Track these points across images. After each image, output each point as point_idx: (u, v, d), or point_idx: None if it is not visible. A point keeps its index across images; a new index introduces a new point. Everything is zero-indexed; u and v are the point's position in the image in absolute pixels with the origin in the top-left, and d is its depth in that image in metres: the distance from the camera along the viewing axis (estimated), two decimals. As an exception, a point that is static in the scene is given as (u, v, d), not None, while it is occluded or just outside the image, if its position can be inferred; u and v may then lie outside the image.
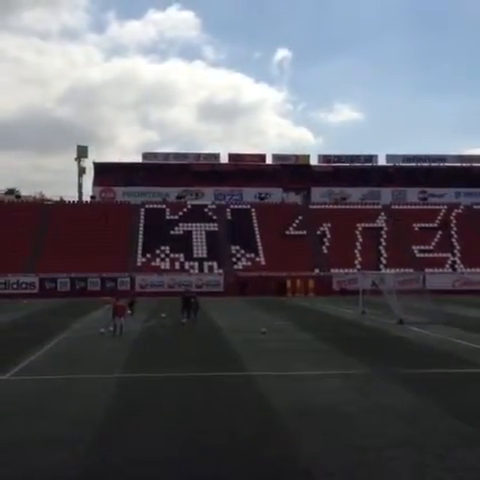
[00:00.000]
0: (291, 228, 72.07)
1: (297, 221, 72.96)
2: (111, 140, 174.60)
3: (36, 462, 10.42)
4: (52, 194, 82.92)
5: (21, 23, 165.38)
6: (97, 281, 60.95)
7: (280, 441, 11.53)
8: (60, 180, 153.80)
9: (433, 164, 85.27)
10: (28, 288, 59.90)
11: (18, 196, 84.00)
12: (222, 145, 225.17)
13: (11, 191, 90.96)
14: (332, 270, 65.61)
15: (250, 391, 15.95)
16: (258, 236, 70.55)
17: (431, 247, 70.45)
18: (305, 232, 71.54)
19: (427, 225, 73.38)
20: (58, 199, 78.94)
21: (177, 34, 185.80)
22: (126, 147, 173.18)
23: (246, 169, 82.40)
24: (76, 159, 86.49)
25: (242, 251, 68.15)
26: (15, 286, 60.14)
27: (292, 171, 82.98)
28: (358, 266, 65.11)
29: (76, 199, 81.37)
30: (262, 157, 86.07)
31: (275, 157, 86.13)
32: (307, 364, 19.77)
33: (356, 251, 69.11)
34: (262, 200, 79.12)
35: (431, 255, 68.84)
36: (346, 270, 65.08)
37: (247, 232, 70.74)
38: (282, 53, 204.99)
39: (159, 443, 11.47)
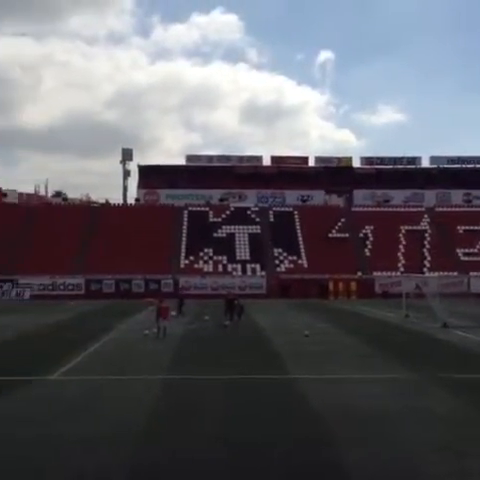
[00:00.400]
0: (333, 230, 71.81)
1: (339, 223, 72.67)
2: (155, 143, 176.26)
3: (83, 462, 10.65)
4: (98, 197, 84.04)
5: (68, 28, 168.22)
6: (141, 283, 61.57)
7: (323, 445, 11.58)
8: (106, 183, 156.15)
9: (478, 165, 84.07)
10: (74, 289, 60.83)
11: (65, 199, 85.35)
12: (264, 147, 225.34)
13: (58, 194, 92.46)
14: (374, 273, 65.16)
15: (293, 394, 16.02)
16: (300, 238, 70.44)
17: (476, 250, 69.43)
18: (347, 235, 71.20)
19: (472, 228, 72.30)
20: (104, 201, 79.96)
21: (221, 37, 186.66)
22: (170, 150, 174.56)
23: (288, 171, 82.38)
24: (121, 162, 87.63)
25: (285, 254, 68.13)
26: (62, 287, 61.11)
27: (334, 173, 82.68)
28: (401, 269, 64.51)
29: (121, 201, 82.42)
30: (304, 159, 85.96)
31: (317, 159, 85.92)
32: (350, 368, 19.77)
33: (399, 254, 68.52)
34: (304, 202, 78.95)
35: (476, 258, 67.82)
36: (389, 273, 64.58)
37: (290, 234, 70.69)
38: (325, 55, 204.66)
39: (203, 444, 11.64)
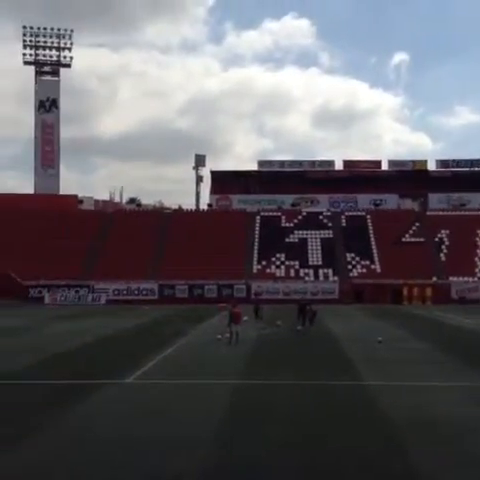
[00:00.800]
0: (407, 235, 70.69)
1: (414, 228, 71.51)
2: (228, 148, 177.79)
3: (157, 464, 10.85)
4: (171, 203, 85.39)
5: (144, 38, 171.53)
6: (214, 288, 62.07)
7: (398, 455, 11.37)
8: (179, 189, 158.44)
9: None
10: (148, 294, 61.82)
11: (139, 205, 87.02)
12: (337, 152, 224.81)
13: (132, 200, 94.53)
14: (450, 278, 63.76)
15: (366, 401, 15.88)
16: (373, 243, 69.66)
17: None
18: (422, 239, 69.96)
19: None
20: (177, 207, 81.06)
21: (292, 42, 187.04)
22: (242, 155, 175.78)
23: (361, 175, 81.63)
24: (194, 168, 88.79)
25: (357, 258, 67.50)
26: (136, 292, 62.21)
27: (408, 177, 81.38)
28: (479, 274, 62.98)
29: (194, 207, 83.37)
30: (377, 163, 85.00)
31: (391, 163, 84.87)
32: (425, 375, 19.45)
33: (476, 259, 66.90)
34: (377, 207, 78.05)
35: None
36: (465, 278, 63.13)
37: (362, 239, 69.99)
38: (399, 57, 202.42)
39: (275, 447, 11.69)
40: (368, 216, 74.50)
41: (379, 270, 65.74)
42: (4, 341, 28.90)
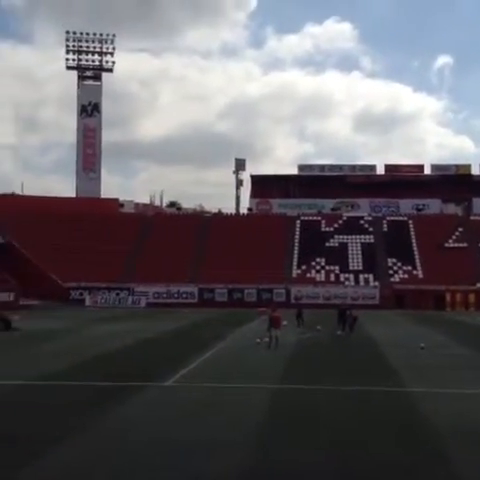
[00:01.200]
0: (450, 240, 69.67)
1: (457, 233, 70.44)
2: (268, 153, 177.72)
3: (199, 465, 10.81)
4: (211, 206, 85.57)
5: (185, 43, 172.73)
6: (253, 292, 61.95)
7: (441, 463, 11.10)
8: (219, 193, 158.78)
9: None
10: (188, 298, 62.01)
11: (179, 208, 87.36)
12: (378, 156, 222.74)
13: (173, 204, 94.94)
14: (495, 284, 62.61)
15: (407, 407, 15.62)
16: (415, 248, 68.81)
17: None
18: (466, 244, 68.88)
19: None
20: (217, 211, 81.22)
21: (334, 46, 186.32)
22: (282, 159, 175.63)
23: (403, 180, 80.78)
24: (234, 172, 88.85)
25: (399, 263, 66.73)
26: (176, 296, 62.44)
27: (452, 181, 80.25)
28: (523, 280, 61.76)
29: (234, 211, 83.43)
30: (420, 167, 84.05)
31: (434, 167, 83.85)
32: (469, 382, 19.07)
33: (521, 264, 65.61)
34: (420, 211, 77.13)
35: None
36: (511, 284, 61.93)
37: (404, 244, 69.19)
38: (442, 60, 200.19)
39: (314, 450, 11.58)
40: (410, 221, 73.65)
41: (421, 276, 64.89)
42: (46, 343, 29.21)
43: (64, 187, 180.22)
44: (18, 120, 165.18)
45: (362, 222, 73.64)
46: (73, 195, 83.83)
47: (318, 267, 66.63)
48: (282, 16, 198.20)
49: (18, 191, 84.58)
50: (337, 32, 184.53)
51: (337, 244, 70.04)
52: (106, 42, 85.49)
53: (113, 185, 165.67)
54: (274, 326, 27.17)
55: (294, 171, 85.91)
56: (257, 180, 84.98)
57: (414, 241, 70.06)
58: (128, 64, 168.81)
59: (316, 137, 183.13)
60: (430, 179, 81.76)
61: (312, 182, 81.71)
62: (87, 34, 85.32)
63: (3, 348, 27.22)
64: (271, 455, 11.46)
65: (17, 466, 10.69)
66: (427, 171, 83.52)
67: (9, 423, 13.81)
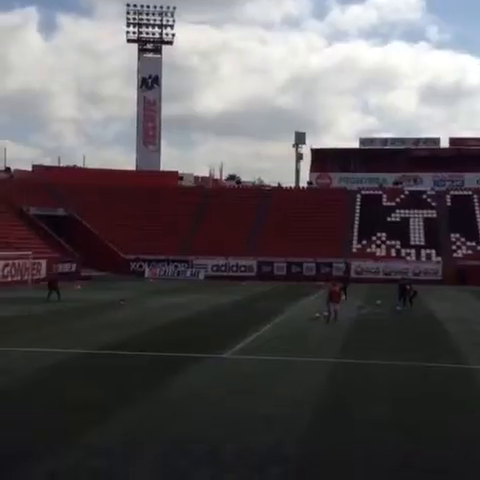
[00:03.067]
0: (517, 215, 67.65)
1: (524, 208, 68.33)
2: (329, 127, 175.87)
3: (256, 439, 10.71)
4: (270, 180, 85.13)
5: (246, 14, 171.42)
6: (312, 266, 61.48)
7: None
8: (279, 166, 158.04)
9: None
10: (246, 271, 61.94)
11: (238, 182, 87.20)
12: (444, 130, 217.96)
13: (232, 177, 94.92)
14: None
15: (470, 386, 15.18)
16: (480, 223, 67.07)
17: None
18: None
19: None
20: (276, 185, 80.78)
21: (400, 17, 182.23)
22: (344, 134, 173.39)
23: (468, 153, 78.58)
24: (294, 145, 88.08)
25: (462, 239, 65.16)
26: (235, 269, 62.45)
27: (519, 154, 77.70)
28: None
29: (293, 185, 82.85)
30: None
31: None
32: None
33: None
34: (485, 186, 75.05)
35: None
36: None
37: (468, 219, 67.49)
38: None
39: (373, 428, 11.35)
40: (475, 195, 71.75)
41: (485, 251, 63.30)
42: (106, 314, 29.59)
43: (125, 160, 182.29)
44: (80, 94, 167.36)
45: (425, 196, 72.09)
46: (133, 168, 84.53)
47: (379, 242, 65.63)
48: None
49: (80, 164, 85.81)
50: (403, 2, 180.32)
51: (399, 219, 68.78)
52: (166, 15, 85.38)
53: (173, 158, 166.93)
54: (333, 300, 26.86)
55: (356, 145, 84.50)
56: (317, 154, 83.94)
57: (479, 216, 68.29)
58: (189, 37, 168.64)
59: (380, 111, 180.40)
60: (497, 153, 79.35)
61: (373, 156, 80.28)
62: (147, 7, 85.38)
63: (63, 319, 27.69)
64: (328, 429, 11.31)
65: (80, 431, 10.85)
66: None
67: (69, 390, 13.96)
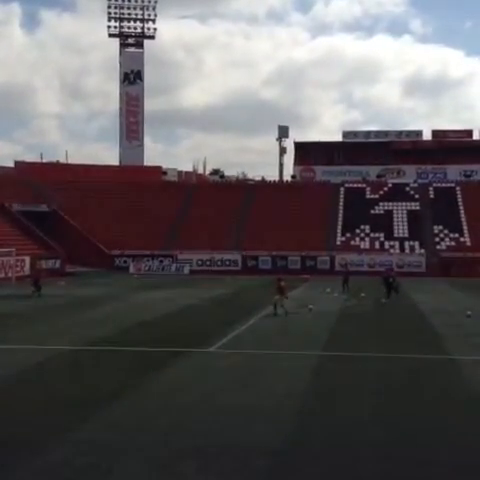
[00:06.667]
0: (499, 207, 68.06)
1: (506, 199, 68.75)
2: (314, 120, 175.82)
3: (240, 432, 10.77)
4: (254, 174, 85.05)
5: (230, 9, 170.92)
6: (297, 260, 61.61)
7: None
8: (262, 160, 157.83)
9: None
10: (231, 265, 61.97)
11: (222, 176, 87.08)
12: (427, 122, 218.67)
13: (216, 171, 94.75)
14: None
15: (455, 377, 15.35)
16: (463, 215, 67.44)
17: None
18: (515, 211, 67.25)
19: None
20: (260, 179, 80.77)
21: (383, 10, 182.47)
22: (329, 127, 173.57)
23: (451, 146, 78.90)
24: (277, 139, 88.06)
25: (445, 231, 65.55)
26: (219, 263, 62.44)
27: (502, 146, 78.16)
28: None
29: (277, 179, 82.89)
30: (469, 133, 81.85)
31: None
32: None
33: None
34: (468, 178, 75.48)
35: None
36: None
37: (451, 211, 67.87)
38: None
39: (359, 421, 11.42)
40: (458, 187, 72.13)
41: (469, 243, 63.65)
42: (91, 309, 29.54)
43: (108, 155, 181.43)
44: (63, 89, 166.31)
45: (408, 189, 72.40)
46: (117, 163, 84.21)
47: (362, 234, 65.86)
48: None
49: (62, 159, 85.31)
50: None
51: (382, 211, 69.05)
52: (147, 9, 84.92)
53: (156, 153, 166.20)
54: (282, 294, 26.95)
55: (339, 138, 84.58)
56: (300, 147, 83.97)
57: (462, 208, 68.68)
58: (172, 31, 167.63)
59: (364, 104, 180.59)
60: (479, 145, 79.77)
61: (357, 149, 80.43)
62: (129, 1, 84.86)
63: (49, 314, 27.62)
64: (316, 424, 11.37)
65: (67, 427, 10.91)
66: (476, 136, 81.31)
67: (56, 386, 13.98)
